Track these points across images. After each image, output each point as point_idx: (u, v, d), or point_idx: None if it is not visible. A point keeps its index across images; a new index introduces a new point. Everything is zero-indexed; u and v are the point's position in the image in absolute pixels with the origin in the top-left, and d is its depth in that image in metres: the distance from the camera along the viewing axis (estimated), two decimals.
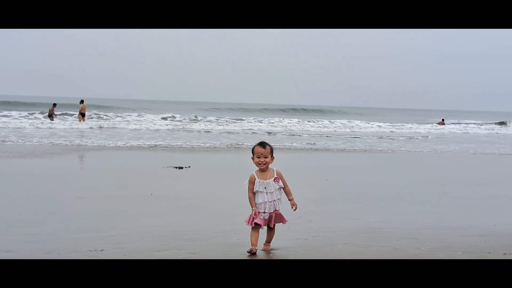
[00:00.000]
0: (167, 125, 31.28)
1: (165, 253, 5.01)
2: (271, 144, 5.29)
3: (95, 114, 36.45)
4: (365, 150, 19.06)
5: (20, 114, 34.32)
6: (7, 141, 17.87)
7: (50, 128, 25.48)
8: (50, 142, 18.13)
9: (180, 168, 11.74)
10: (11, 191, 8.59)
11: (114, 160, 14.44)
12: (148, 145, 18.40)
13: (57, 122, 29.14)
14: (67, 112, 35.99)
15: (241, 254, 5.03)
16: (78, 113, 31.46)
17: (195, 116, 38.10)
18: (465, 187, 10.28)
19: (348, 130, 33.95)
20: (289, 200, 5.16)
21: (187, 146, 18.64)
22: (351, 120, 43.60)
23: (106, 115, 36.91)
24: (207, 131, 27.79)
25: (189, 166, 12.01)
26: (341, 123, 39.33)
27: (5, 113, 34.11)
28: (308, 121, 39.53)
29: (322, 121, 40.87)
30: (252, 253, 4.98)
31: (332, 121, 41.03)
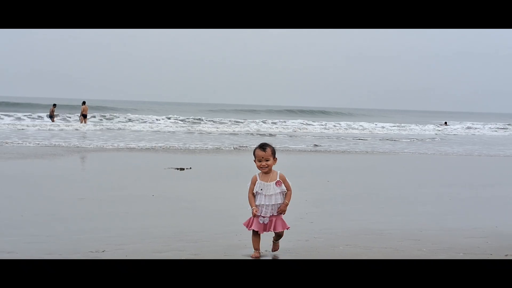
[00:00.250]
0: (170, 126, 31.31)
1: (167, 254, 5.01)
2: (273, 145, 5.13)
3: (101, 115, 36.33)
4: (367, 152, 19.05)
5: (21, 115, 34.23)
6: (9, 142, 17.88)
7: (51, 129, 25.48)
8: (51, 144, 18.14)
9: (182, 169, 11.74)
10: (12, 192, 8.59)
11: (115, 161, 14.45)
12: (149, 146, 18.40)
13: (59, 124, 29.16)
14: (69, 113, 35.96)
15: (243, 255, 5.03)
16: (80, 114, 31.50)
17: (199, 119, 38.00)
18: (467, 188, 10.27)
19: (356, 132, 33.96)
20: (283, 203, 4.93)
21: (189, 147, 18.64)
22: (356, 122, 43.56)
23: (111, 115, 36.80)
24: (210, 133, 27.76)
25: (190, 167, 12.01)
26: (347, 124, 39.35)
27: (6, 113, 34.09)
28: (309, 123, 39.51)
29: (326, 123, 40.91)
30: (257, 257, 4.92)
31: (338, 122, 41.01)
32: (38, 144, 17.86)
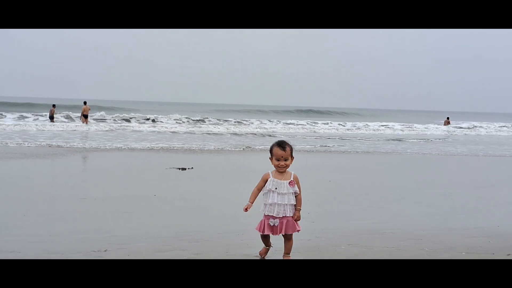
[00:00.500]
0: (175, 127, 31.32)
1: (169, 253, 5.02)
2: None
3: (101, 116, 36.31)
4: (369, 152, 19.05)
5: (18, 115, 34.18)
6: (10, 143, 17.90)
7: (52, 130, 25.50)
8: (53, 144, 18.15)
9: (183, 169, 11.75)
10: (14, 192, 8.60)
11: (117, 161, 14.46)
12: (150, 146, 18.42)
13: (59, 124, 29.18)
14: (69, 113, 35.94)
15: (245, 255, 5.04)
16: (80, 114, 31.51)
17: (202, 118, 37.92)
18: (469, 188, 10.26)
19: (363, 132, 33.94)
20: (296, 209, 4.79)
21: (192, 147, 18.65)
22: (361, 122, 43.52)
23: (113, 117, 36.74)
24: (215, 133, 27.75)
25: (192, 167, 12.02)
26: (353, 125, 39.34)
27: (7, 113, 34.12)
28: (315, 123, 39.51)
29: (331, 122, 40.95)
30: (266, 250, 4.95)
31: (343, 123, 40.99)
32: (40, 144, 17.88)
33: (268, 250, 4.99)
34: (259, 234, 4.91)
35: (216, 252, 5.11)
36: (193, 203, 7.89)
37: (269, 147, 4.87)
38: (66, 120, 34.13)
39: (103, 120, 34.75)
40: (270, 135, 27.48)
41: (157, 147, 18.33)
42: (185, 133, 27.43)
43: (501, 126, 45.48)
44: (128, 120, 35.55)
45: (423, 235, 5.98)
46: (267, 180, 4.78)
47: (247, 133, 28.28)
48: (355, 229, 6.24)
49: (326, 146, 21.01)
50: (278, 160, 4.73)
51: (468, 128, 43.27)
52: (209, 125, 34.09)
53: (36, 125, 28.25)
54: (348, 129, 36.33)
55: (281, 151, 4.73)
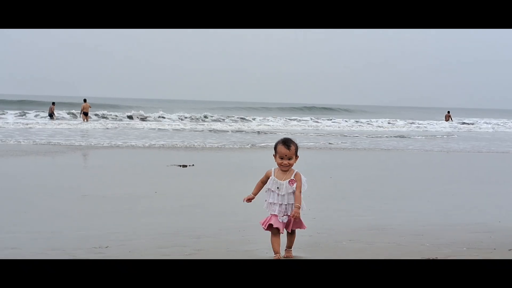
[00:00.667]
0: (177, 124, 31.32)
1: (170, 250, 5.02)
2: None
3: (103, 114, 36.14)
4: (370, 148, 19.06)
5: (20, 113, 34.10)
6: (10, 141, 17.91)
7: (52, 128, 25.49)
8: (53, 142, 18.16)
9: (184, 166, 11.75)
10: (15, 189, 8.61)
11: (118, 158, 14.46)
12: (152, 144, 18.42)
13: (60, 122, 29.17)
14: (69, 111, 35.81)
15: (246, 251, 5.04)
16: (80, 112, 31.49)
17: (204, 116, 37.77)
18: (471, 184, 10.26)
19: (366, 128, 33.93)
20: (294, 206, 4.62)
21: (193, 145, 18.66)
22: (366, 118, 43.45)
23: (113, 115, 36.66)
24: (217, 130, 27.70)
25: (193, 165, 12.02)
26: (356, 121, 39.34)
27: (7, 111, 34.02)
28: (319, 120, 39.50)
29: (334, 119, 40.93)
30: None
31: (346, 119, 40.98)
32: (40, 142, 17.88)
33: (279, 258, 4.69)
34: (260, 230, 4.85)
35: (217, 249, 5.11)
36: (194, 200, 7.89)
37: (274, 144, 4.75)
38: (68, 117, 34.04)
39: (103, 117, 34.68)
40: (271, 132, 27.47)
41: (158, 144, 18.34)
42: (188, 130, 27.37)
43: (504, 122, 45.21)
44: (130, 117, 35.41)
45: (424, 230, 5.97)
46: (269, 177, 4.68)
47: (247, 131, 28.24)
48: (356, 225, 6.24)
49: (328, 143, 21.00)
50: (282, 158, 4.61)
51: (472, 124, 42.96)
52: (212, 123, 34.06)
53: (38, 122, 28.28)
54: (350, 126, 36.30)
55: (286, 149, 4.60)
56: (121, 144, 17.97)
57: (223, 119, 36.97)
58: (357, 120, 41.63)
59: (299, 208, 4.59)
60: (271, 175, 4.67)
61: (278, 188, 4.61)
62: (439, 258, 4.84)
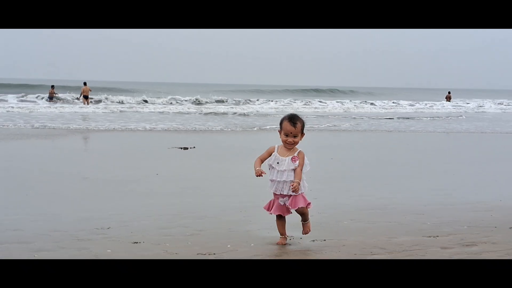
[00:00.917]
0: (176, 106, 31.22)
1: (171, 230, 5.03)
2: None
3: (105, 98, 35.78)
4: (371, 130, 19.03)
5: (20, 96, 33.87)
6: (12, 124, 17.89)
7: (52, 111, 25.44)
8: (54, 125, 18.14)
9: (185, 148, 11.75)
10: (17, 171, 8.62)
11: (119, 141, 14.47)
12: (153, 127, 18.41)
13: (61, 105, 29.09)
14: (69, 94, 35.52)
15: (247, 231, 5.05)
16: (80, 95, 31.35)
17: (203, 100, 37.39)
18: (472, 164, 10.26)
19: (371, 110, 33.78)
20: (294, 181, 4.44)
21: (194, 127, 18.65)
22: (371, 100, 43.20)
23: (116, 98, 36.36)
24: (217, 113, 27.62)
25: (194, 147, 12.02)
26: (360, 103, 39.15)
27: (6, 95, 33.76)
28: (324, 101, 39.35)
29: (338, 100, 40.77)
30: (283, 244, 4.59)
31: (354, 101, 40.70)
32: (40, 125, 17.86)
33: (285, 238, 4.65)
34: (261, 210, 4.85)
35: (218, 229, 5.13)
36: (195, 182, 7.90)
37: (280, 119, 4.55)
38: (69, 99, 33.61)
39: (105, 101, 34.37)
40: (272, 115, 27.39)
41: (158, 127, 18.33)
42: (194, 113, 27.21)
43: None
44: (145, 101, 34.94)
45: (425, 209, 5.99)
46: (271, 154, 4.48)
47: (247, 113, 28.13)
48: (357, 205, 6.25)
49: (332, 125, 20.97)
50: (287, 135, 4.40)
51: (480, 106, 42.58)
52: (215, 104, 33.84)
53: (38, 104, 28.22)
54: (355, 106, 36.19)
55: (291, 126, 4.38)
56: (122, 127, 17.96)
57: (226, 100, 36.72)
58: (365, 101, 41.29)
59: (298, 183, 4.38)
60: (274, 151, 4.48)
61: (278, 163, 4.42)
62: (439, 236, 4.86)
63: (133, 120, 21.17)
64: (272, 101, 39.21)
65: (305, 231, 4.70)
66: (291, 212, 4.58)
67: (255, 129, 18.63)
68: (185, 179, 8.17)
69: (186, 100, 36.38)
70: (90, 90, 31.49)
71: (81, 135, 15.61)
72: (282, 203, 4.51)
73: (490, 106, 42.22)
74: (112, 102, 33.41)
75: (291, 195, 4.48)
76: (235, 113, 27.73)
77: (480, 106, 41.43)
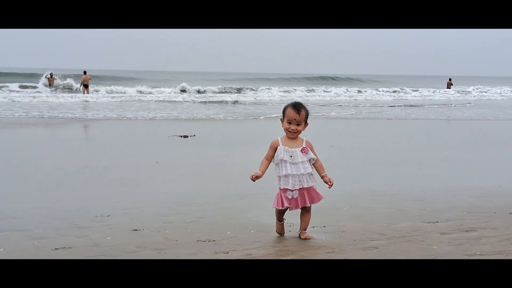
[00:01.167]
0: (196, 97, 31.13)
1: (171, 218, 5.04)
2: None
3: (105, 85, 35.63)
4: (370, 118, 19.01)
5: (20, 85, 33.73)
6: (11, 113, 17.87)
7: (52, 100, 25.36)
8: (54, 114, 18.11)
9: (185, 136, 11.75)
10: (16, 160, 8.62)
11: (119, 130, 14.46)
12: (153, 115, 18.39)
13: (62, 95, 29.00)
14: (69, 81, 35.34)
15: (247, 217, 5.06)
16: (80, 84, 31.28)
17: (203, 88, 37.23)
18: (471, 150, 10.25)
19: (374, 98, 33.68)
20: (322, 177, 4.38)
21: (194, 116, 18.63)
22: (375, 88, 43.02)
23: (114, 87, 36.23)
24: (220, 102, 27.54)
25: (194, 135, 12.01)
26: (365, 91, 39.01)
27: (7, 84, 33.67)
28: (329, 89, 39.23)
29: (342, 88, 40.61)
30: (281, 233, 4.47)
31: (360, 89, 40.57)
32: (40, 114, 17.83)
33: (283, 224, 4.51)
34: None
35: (218, 216, 5.13)
36: (195, 169, 7.90)
37: (283, 107, 4.35)
38: (74, 89, 33.37)
39: (106, 90, 34.23)
40: (272, 103, 27.32)
41: (159, 116, 18.31)
42: (191, 102, 27.19)
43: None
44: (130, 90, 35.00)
45: (425, 196, 5.99)
46: (276, 148, 4.25)
47: (246, 103, 28.05)
48: (357, 192, 6.25)
49: (330, 112, 20.95)
50: (290, 123, 4.20)
51: (483, 92, 42.40)
52: (219, 94, 33.71)
53: (39, 91, 28.14)
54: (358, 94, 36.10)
55: (295, 113, 4.18)
56: (122, 116, 17.93)
57: (234, 89, 36.53)
58: (365, 89, 41.15)
59: (327, 175, 4.36)
60: (278, 145, 4.25)
61: (291, 156, 4.21)
62: (438, 222, 4.87)
63: (134, 109, 21.15)
64: (269, 88, 39.01)
65: (306, 236, 4.43)
66: (303, 206, 4.36)
67: (262, 118, 18.59)
68: (185, 166, 8.17)
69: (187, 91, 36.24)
70: (90, 79, 31.43)
71: (81, 123, 15.60)
72: (290, 197, 4.28)
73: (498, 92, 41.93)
74: (111, 91, 33.31)
75: (302, 189, 4.27)
76: (236, 101, 27.62)
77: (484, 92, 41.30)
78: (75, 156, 9.08)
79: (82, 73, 31.28)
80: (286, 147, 4.23)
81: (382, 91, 39.84)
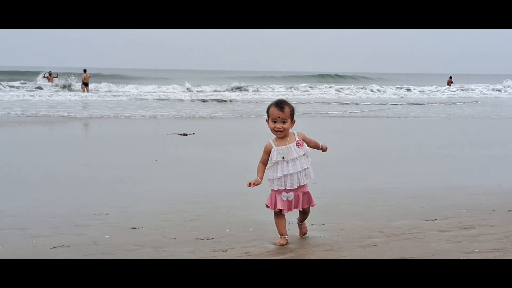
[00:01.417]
0: (183, 94, 31.09)
1: (170, 215, 5.04)
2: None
3: (105, 84, 35.44)
4: (369, 116, 19.00)
5: (19, 83, 33.64)
6: (11, 111, 17.86)
7: (53, 98, 25.35)
8: (54, 112, 18.10)
9: (185, 134, 11.74)
10: (16, 158, 8.62)
11: (118, 128, 14.46)
12: (152, 114, 18.38)
13: (61, 93, 28.95)
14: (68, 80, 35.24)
15: (245, 215, 5.06)
16: (81, 83, 31.23)
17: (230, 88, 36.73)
18: (471, 148, 10.24)
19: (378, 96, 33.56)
20: (321, 149, 4.33)
21: (193, 114, 18.62)
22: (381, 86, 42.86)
23: (114, 84, 36.08)
24: (225, 101, 27.48)
25: (193, 133, 12.00)
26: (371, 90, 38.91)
27: (5, 83, 33.55)
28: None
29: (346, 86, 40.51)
30: (282, 245, 4.14)
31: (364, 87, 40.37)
32: (40, 112, 17.82)
33: (286, 240, 4.19)
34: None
35: (217, 214, 5.14)
36: (194, 167, 7.90)
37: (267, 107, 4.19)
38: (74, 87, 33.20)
39: (109, 89, 34.03)
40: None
41: (158, 114, 18.30)
42: (188, 100, 27.14)
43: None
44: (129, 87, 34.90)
45: (424, 193, 5.99)
46: (270, 152, 4.10)
47: (246, 101, 28.03)
48: (356, 190, 6.25)
49: (329, 111, 20.95)
50: (275, 122, 4.04)
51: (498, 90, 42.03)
52: (219, 93, 33.58)
53: (39, 91, 28.10)
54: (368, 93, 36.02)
55: (278, 111, 4.02)
56: (121, 114, 17.92)
57: (235, 88, 36.35)
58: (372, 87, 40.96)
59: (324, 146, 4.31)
60: (272, 148, 4.09)
61: (284, 157, 4.06)
62: (437, 219, 4.87)
63: (134, 107, 21.14)
64: (269, 87, 38.89)
65: (304, 232, 4.37)
66: (295, 209, 4.20)
67: (263, 116, 18.58)
68: (184, 164, 8.17)
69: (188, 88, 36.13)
70: (90, 77, 31.38)
71: (80, 122, 15.60)
72: (285, 199, 4.11)
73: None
74: (111, 89, 33.21)
75: (297, 190, 4.12)
76: (235, 100, 27.57)
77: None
78: (74, 155, 9.08)
79: (82, 71, 31.24)
80: (279, 147, 4.08)
81: (382, 89, 39.64)
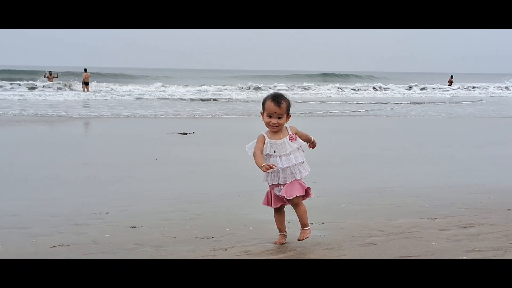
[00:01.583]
0: (181, 93, 31.07)
1: (170, 214, 5.04)
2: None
3: (106, 83, 35.38)
4: (368, 115, 19.00)
5: (19, 83, 33.54)
6: (11, 111, 17.86)
7: (53, 98, 25.35)
8: (54, 111, 18.10)
9: (185, 134, 11.75)
10: (16, 157, 8.63)
11: (119, 127, 14.45)
12: (152, 113, 18.39)
13: (62, 93, 28.94)
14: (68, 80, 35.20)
15: (246, 214, 5.06)
16: (81, 82, 31.22)
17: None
18: (471, 147, 10.25)
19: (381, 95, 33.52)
20: (312, 143, 4.19)
21: (193, 113, 18.62)
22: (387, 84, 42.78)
23: (113, 84, 36.08)
24: (223, 99, 27.50)
25: (193, 132, 12.01)
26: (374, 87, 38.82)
27: (6, 82, 33.50)
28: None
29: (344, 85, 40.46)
30: (282, 244, 4.11)
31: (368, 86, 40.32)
32: (40, 111, 17.82)
33: (285, 237, 4.16)
34: (260, 194, 4.79)
35: (217, 213, 5.13)
36: (194, 166, 7.90)
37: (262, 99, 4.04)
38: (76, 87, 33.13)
39: (109, 88, 33.97)
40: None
41: (158, 113, 18.30)
42: (192, 99, 27.14)
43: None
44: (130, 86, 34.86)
45: (423, 192, 5.99)
46: (264, 142, 3.97)
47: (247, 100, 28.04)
48: (356, 188, 6.26)
49: (330, 110, 20.95)
50: (270, 116, 3.91)
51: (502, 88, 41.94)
52: (220, 92, 33.55)
53: (41, 89, 28.09)
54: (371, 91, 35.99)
55: (275, 106, 3.87)
56: (122, 114, 17.92)
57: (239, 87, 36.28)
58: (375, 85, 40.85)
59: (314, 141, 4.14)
60: (265, 139, 3.97)
61: (275, 152, 3.93)
62: (437, 218, 4.87)
63: (134, 106, 21.13)
64: (270, 86, 38.86)
65: (301, 237, 4.08)
66: (287, 199, 4.03)
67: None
68: (184, 164, 8.17)
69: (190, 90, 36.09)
70: (90, 76, 31.37)
71: (80, 121, 15.60)
72: (278, 193, 4.01)
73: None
74: (111, 89, 33.18)
75: (285, 183, 3.95)
76: (235, 99, 27.58)
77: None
78: (74, 154, 9.08)
79: (83, 70, 31.24)
80: (272, 140, 3.94)
81: (384, 88, 39.54)
